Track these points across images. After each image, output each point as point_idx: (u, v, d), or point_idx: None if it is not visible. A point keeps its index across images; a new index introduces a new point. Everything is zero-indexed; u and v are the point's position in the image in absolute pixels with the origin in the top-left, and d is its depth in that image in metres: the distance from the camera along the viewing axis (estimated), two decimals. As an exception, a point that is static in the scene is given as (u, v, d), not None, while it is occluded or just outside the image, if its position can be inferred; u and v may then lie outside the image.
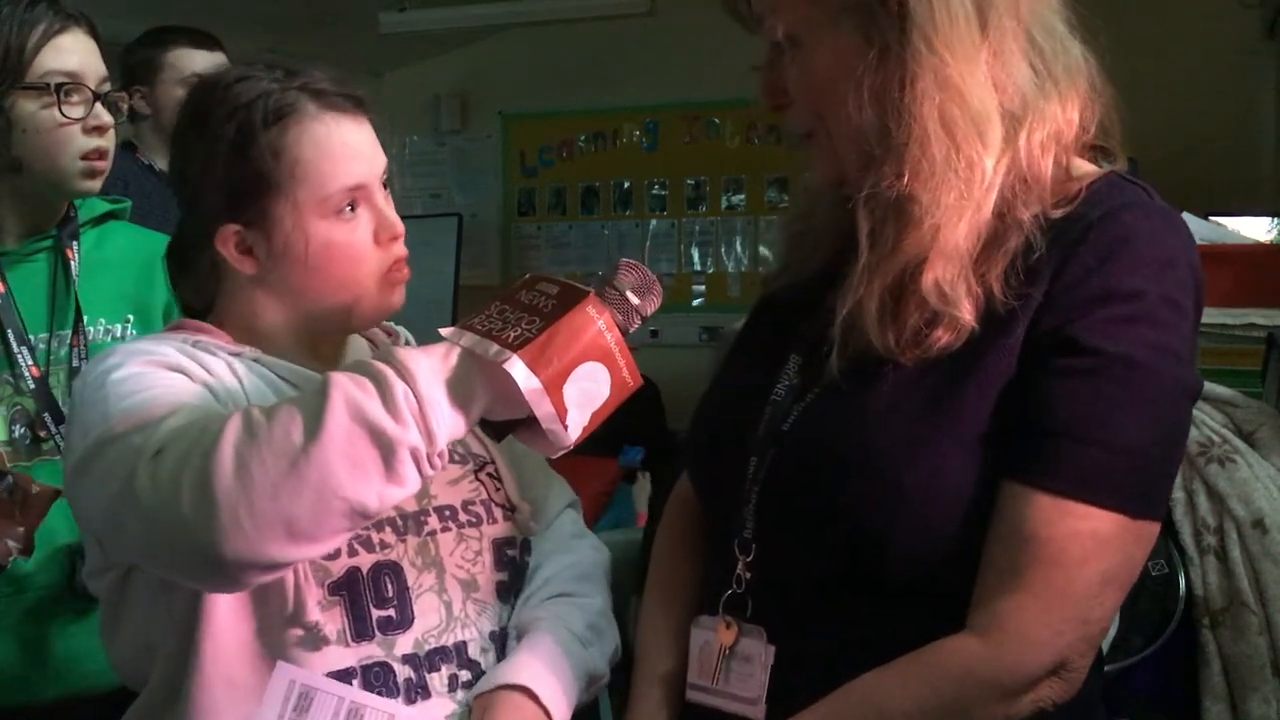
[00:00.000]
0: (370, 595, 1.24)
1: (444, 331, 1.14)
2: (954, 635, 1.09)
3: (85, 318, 1.74)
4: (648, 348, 5.85)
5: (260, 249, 1.28)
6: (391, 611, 1.25)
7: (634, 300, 1.18)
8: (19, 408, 1.67)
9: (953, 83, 1.09)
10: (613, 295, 1.17)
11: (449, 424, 1.10)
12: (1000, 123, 1.11)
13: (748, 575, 1.19)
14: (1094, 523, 1.06)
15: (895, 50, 1.10)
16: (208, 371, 1.24)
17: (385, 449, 1.07)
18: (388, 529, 1.27)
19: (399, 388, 1.08)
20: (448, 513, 1.32)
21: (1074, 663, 1.09)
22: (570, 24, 5.42)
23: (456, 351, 1.12)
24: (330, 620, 1.22)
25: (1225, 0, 4.63)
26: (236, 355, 1.29)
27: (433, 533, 1.30)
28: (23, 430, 1.66)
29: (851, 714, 1.10)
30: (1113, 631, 1.80)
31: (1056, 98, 1.14)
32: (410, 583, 1.26)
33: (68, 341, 1.72)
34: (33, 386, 1.67)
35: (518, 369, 1.08)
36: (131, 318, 1.80)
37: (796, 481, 1.16)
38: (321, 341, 1.35)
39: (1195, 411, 1.86)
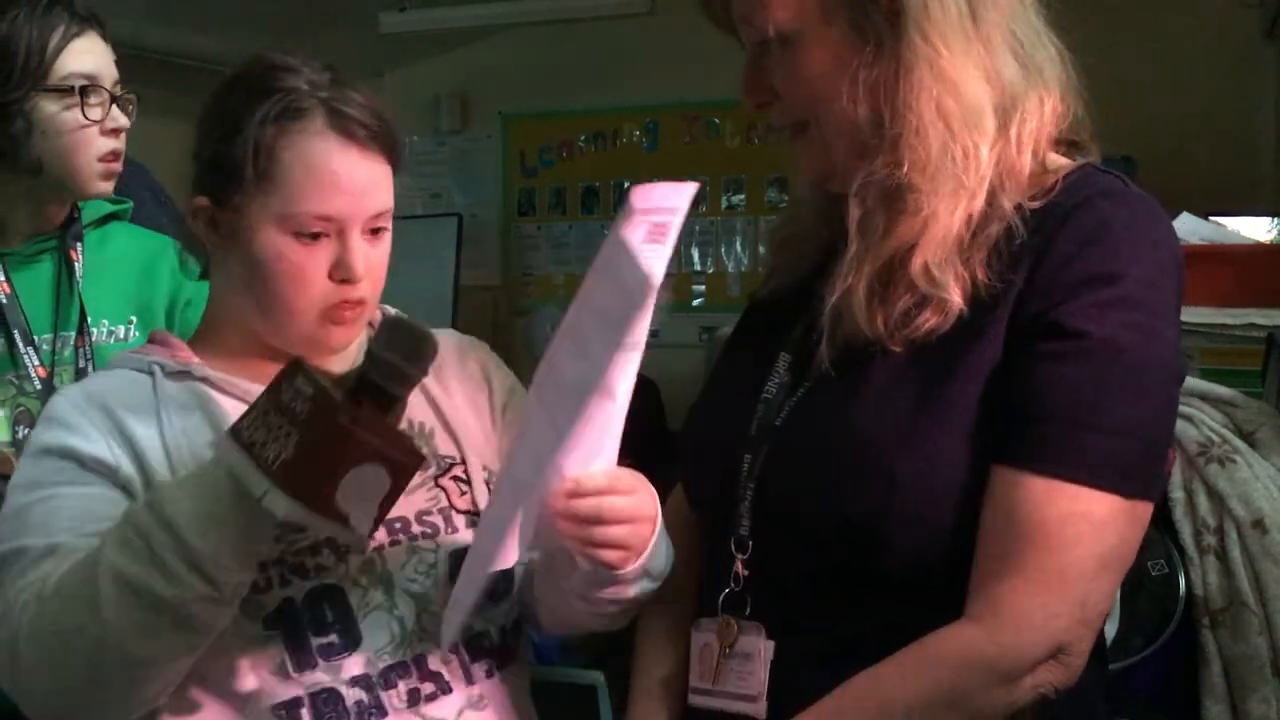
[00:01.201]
0: (309, 624, 1.20)
1: (216, 446, 1.10)
2: (952, 624, 1.09)
3: (89, 319, 1.75)
4: (648, 347, 5.84)
5: (225, 230, 1.26)
6: (334, 637, 1.21)
7: (403, 365, 1.08)
8: (22, 409, 1.68)
9: (948, 75, 1.11)
10: (379, 369, 1.07)
11: (232, 560, 1.08)
12: (993, 114, 1.13)
13: (745, 573, 1.20)
14: (1087, 504, 1.07)
15: (890, 44, 1.12)
16: (125, 434, 1.21)
17: (168, 612, 1.06)
18: (325, 550, 1.22)
19: (166, 548, 1.06)
20: (398, 524, 1.26)
21: (1073, 647, 1.09)
22: (570, 24, 5.41)
23: (224, 479, 1.07)
24: (270, 655, 1.19)
25: (1225, 0, 4.62)
26: (183, 374, 1.26)
27: (379, 547, 1.25)
28: (26, 431, 1.66)
29: (854, 710, 1.10)
30: (1113, 631, 1.80)
31: (1040, 90, 1.15)
32: (354, 603, 1.22)
33: (72, 343, 1.73)
34: (39, 388, 1.67)
35: (277, 504, 1.03)
36: (134, 319, 1.81)
37: (791, 477, 1.16)
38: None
39: (1195, 411, 1.88)
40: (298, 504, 1.03)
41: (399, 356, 1.07)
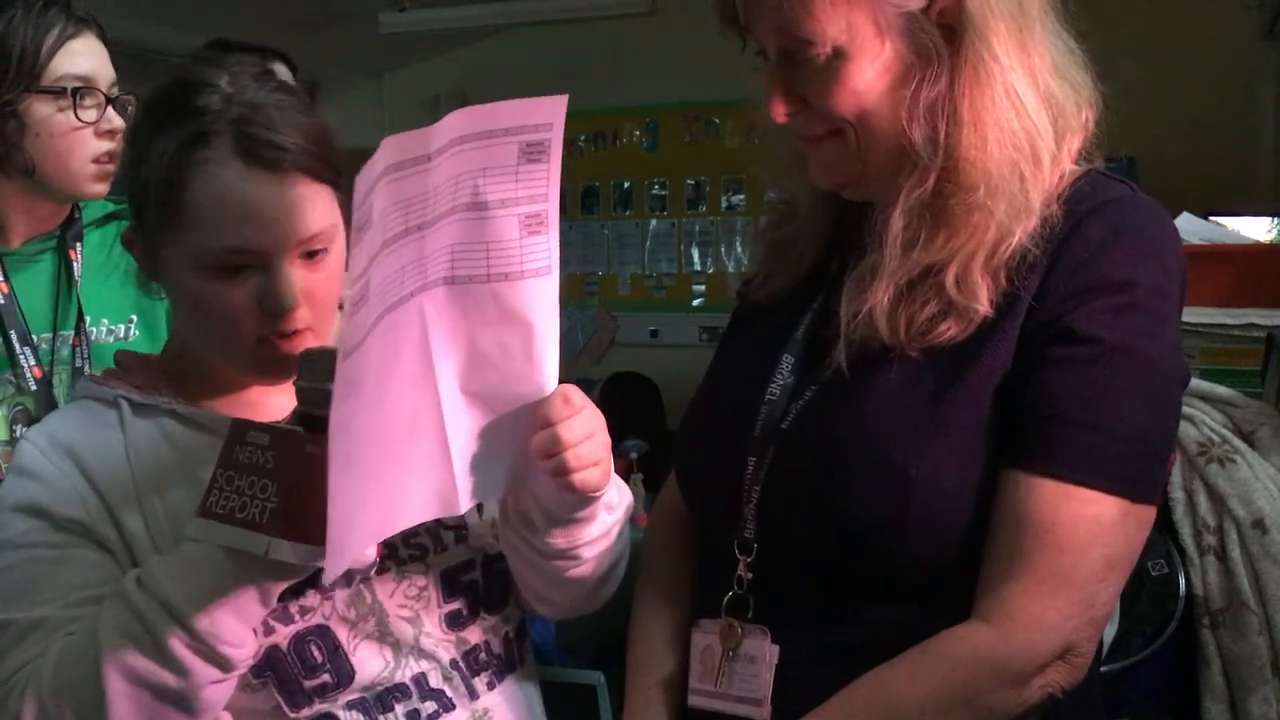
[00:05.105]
0: (297, 668, 1.17)
1: (192, 532, 1.07)
2: (962, 624, 1.10)
3: (89, 318, 1.76)
4: (648, 347, 5.86)
5: (151, 263, 1.19)
6: (325, 677, 1.18)
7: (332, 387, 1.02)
8: (20, 408, 1.68)
9: (1013, 91, 1.11)
10: (313, 400, 1.04)
11: (240, 636, 1.07)
12: (1053, 131, 1.13)
13: (749, 575, 1.19)
14: (1097, 507, 1.08)
15: (951, 63, 1.11)
16: (97, 489, 1.17)
17: (177, 700, 1.06)
18: (309, 592, 1.18)
19: (168, 638, 1.04)
20: (385, 551, 1.21)
21: (1080, 647, 1.10)
22: (570, 24, 5.42)
23: (217, 554, 1.05)
24: (263, 699, 1.17)
25: (1225, 0, 4.63)
26: (149, 406, 1.21)
27: (366, 579, 1.21)
28: (23, 430, 1.67)
29: (863, 710, 1.10)
30: (1113, 631, 1.80)
31: (1076, 102, 1.16)
32: (343, 639, 1.19)
33: (70, 342, 1.73)
34: (34, 388, 1.68)
35: (284, 552, 1.03)
36: (135, 318, 1.81)
37: (800, 479, 1.16)
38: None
39: (1195, 411, 1.88)
40: (303, 545, 1.03)
41: (327, 381, 0.98)
